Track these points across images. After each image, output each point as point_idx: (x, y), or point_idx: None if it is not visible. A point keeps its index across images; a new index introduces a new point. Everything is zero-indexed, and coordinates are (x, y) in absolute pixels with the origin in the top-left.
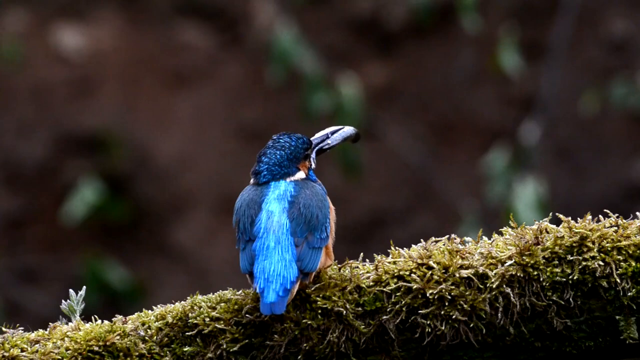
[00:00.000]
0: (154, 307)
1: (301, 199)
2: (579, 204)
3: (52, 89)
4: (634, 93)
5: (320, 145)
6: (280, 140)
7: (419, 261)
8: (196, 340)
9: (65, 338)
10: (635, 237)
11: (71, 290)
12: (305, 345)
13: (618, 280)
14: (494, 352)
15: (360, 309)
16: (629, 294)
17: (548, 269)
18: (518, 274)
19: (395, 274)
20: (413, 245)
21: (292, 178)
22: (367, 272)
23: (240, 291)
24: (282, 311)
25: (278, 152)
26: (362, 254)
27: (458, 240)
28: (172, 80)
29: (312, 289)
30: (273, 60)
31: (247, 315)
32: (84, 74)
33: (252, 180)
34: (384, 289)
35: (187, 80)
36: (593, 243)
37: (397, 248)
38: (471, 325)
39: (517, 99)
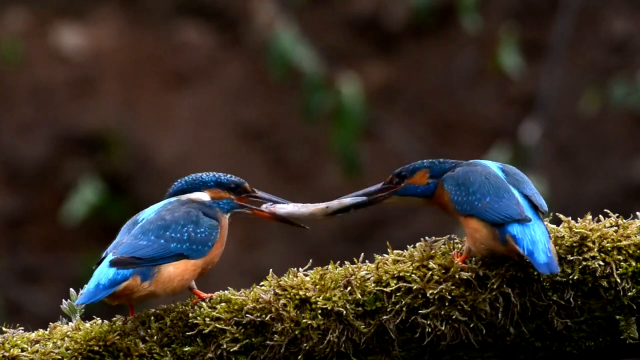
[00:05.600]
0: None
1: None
2: (579, 204)
3: (52, 89)
4: (634, 93)
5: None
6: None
7: (420, 261)
8: (196, 340)
9: (66, 338)
10: (636, 237)
11: (72, 290)
12: (305, 345)
13: (618, 280)
14: (494, 352)
15: (360, 308)
16: (629, 293)
17: None
18: (518, 274)
19: (396, 275)
20: (413, 246)
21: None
22: (368, 272)
23: (241, 291)
24: (558, 271)
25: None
26: (362, 254)
27: (458, 240)
28: (172, 80)
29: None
30: (273, 60)
31: (247, 315)
32: (84, 73)
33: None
34: (385, 289)
35: (187, 80)
36: (593, 243)
37: (394, 251)
38: (471, 325)
39: (517, 99)
